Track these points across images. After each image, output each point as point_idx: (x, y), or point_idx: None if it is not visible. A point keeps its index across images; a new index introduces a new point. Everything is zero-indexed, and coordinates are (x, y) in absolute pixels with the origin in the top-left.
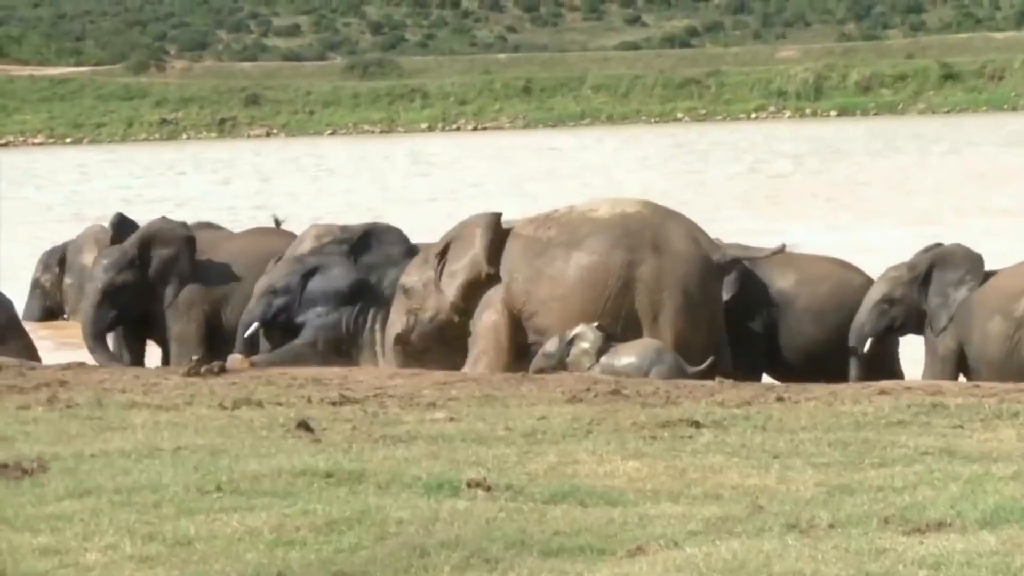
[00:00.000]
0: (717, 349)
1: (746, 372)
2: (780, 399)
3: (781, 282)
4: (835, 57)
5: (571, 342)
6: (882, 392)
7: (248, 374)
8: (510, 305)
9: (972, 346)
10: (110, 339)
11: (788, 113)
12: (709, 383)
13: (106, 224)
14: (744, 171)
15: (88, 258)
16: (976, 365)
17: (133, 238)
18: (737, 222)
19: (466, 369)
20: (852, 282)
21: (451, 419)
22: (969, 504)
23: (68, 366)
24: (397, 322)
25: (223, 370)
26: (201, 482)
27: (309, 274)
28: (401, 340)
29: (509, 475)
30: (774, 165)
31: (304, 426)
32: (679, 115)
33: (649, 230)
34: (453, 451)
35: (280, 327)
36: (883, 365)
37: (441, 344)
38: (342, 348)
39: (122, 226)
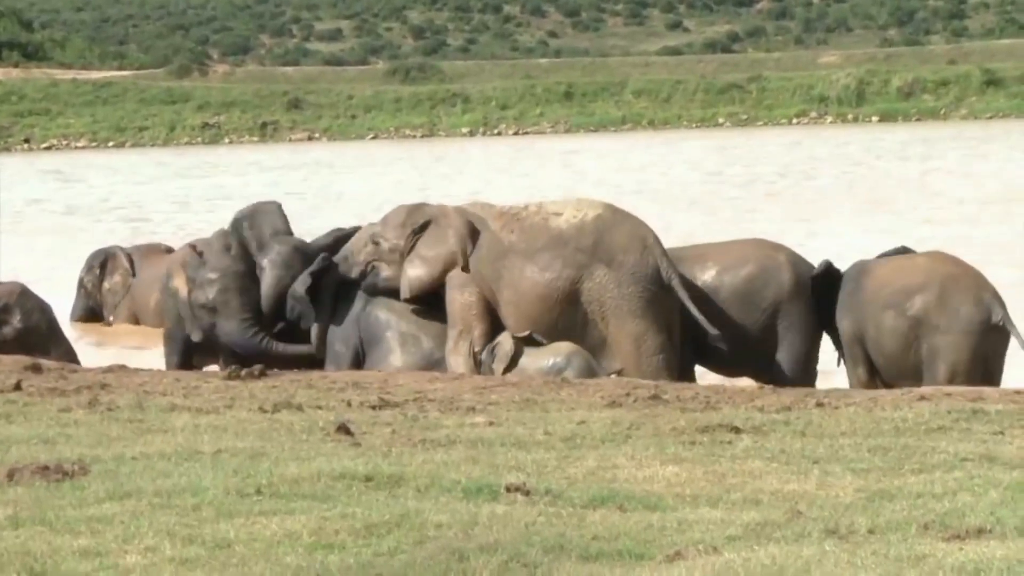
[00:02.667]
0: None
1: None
2: (820, 404)
3: (702, 275)
4: (877, 63)
5: (493, 349)
6: (922, 398)
7: (288, 377)
8: (482, 291)
9: (868, 338)
10: None
11: (830, 119)
12: (749, 388)
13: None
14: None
15: (178, 282)
16: (874, 356)
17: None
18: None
19: (447, 350)
20: (774, 260)
21: (490, 423)
22: (1009, 511)
23: (109, 369)
24: (356, 265)
25: (263, 374)
26: (241, 485)
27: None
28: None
29: (548, 479)
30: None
31: (344, 429)
32: (720, 120)
33: (601, 243)
34: (492, 455)
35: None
36: None
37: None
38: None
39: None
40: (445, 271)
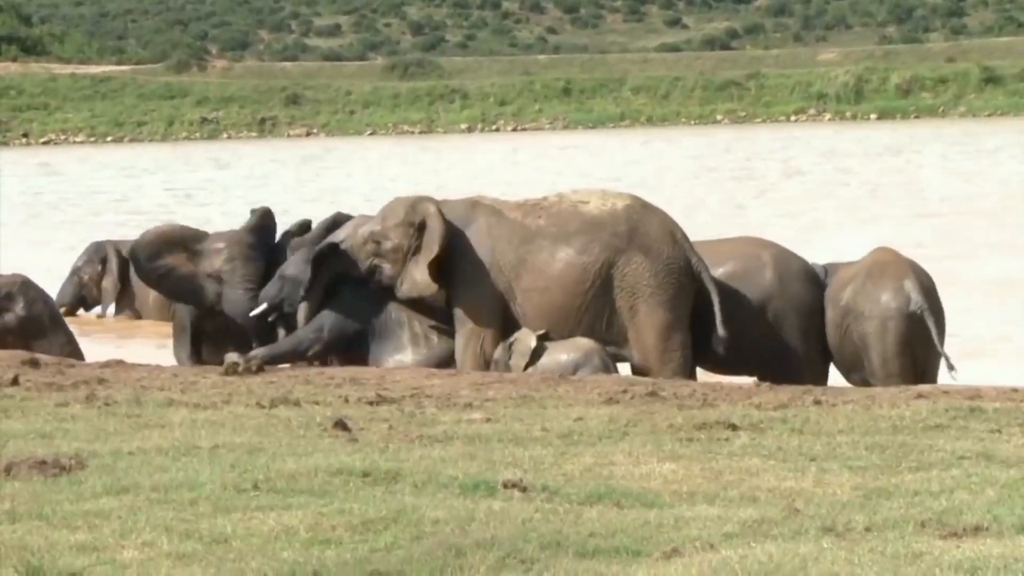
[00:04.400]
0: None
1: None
2: (817, 402)
3: None
4: (876, 60)
5: (511, 346)
6: (920, 396)
7: (286, 373)
8: (495, 284)
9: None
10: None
11: (828, 116)
12: (746, 385)
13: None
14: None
15: (174, 258)
16: (833, 353)
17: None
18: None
19: (456, 350)
20: (757, 259)
21: (488, 420)
22: (1006, 509)
23: (107, 364)
24: (359, 262)
25: (261, 369)
26: (238, 480)
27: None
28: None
29: (545, 476)
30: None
31: (341, 425)
32: (719, 117)
33: (635, 229)
34: (489, 451)
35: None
36: None
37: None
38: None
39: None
40: (436, 272)
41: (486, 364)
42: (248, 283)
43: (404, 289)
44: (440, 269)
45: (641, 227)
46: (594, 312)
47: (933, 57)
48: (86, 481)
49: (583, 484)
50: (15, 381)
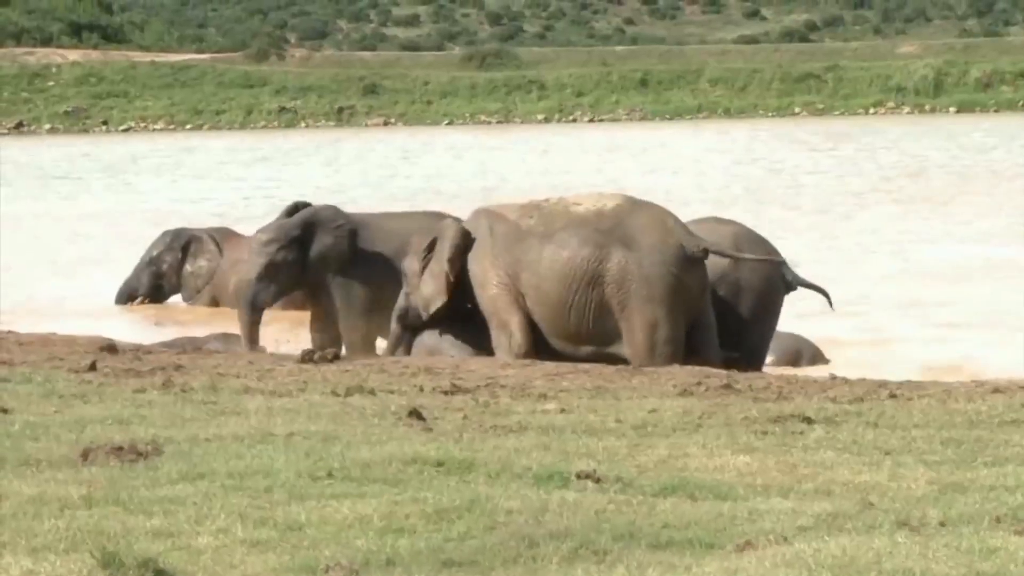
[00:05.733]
0: (700, 336)
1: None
2: (893, 396)
3: None
4: (956, 53)
5: None
6: (996, 390)
7: (361, 362)
8: (505, 280)
9: None
10: None
11: (907, 109)
12: (821, 378)
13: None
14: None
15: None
16: None
17: (297, 219)
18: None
19: (494, 342)
20: (720, 232)
21: (562, 410)
22: None
23: (183, 350)
24: (399, 300)
25: (336, 357)
26: (313, 468)
27: None
28: (399, 318)
29: (619, 467)
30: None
31: (416, 414)
32: (796, 110)
33: (621, 226)
34: (563, 442)
35: None
36: None
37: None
38: None
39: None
40: (445, 285)
41: (520, 353)
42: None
43: (421, 307)
44: (457, 281)
45: (627, 221)
46: (582, 307)
47: (1014, 51)
48: (162, 467)
49: (657, 476)
50: (93, 367)
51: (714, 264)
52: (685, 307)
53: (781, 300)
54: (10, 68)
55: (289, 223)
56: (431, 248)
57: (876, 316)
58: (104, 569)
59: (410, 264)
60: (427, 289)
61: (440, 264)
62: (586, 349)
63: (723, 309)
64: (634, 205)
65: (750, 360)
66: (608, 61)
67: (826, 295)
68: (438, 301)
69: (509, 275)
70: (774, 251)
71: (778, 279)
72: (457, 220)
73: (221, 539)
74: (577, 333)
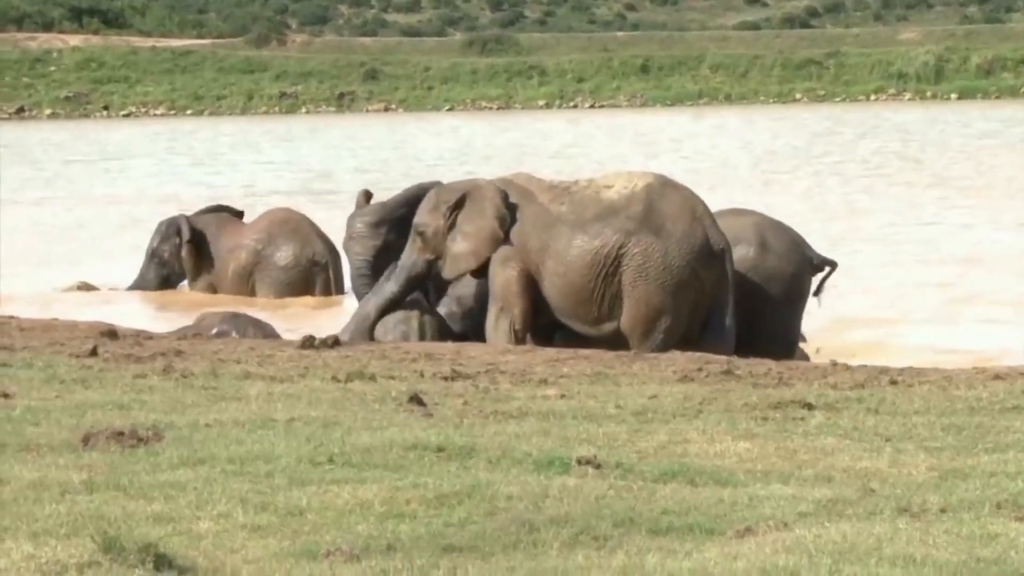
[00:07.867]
0: (712, 326)
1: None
2: (893, 382)
3: None
4: (957, 40)
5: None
6: (997, 377)
7: (362, 347)
8: (525, 265)
9: None
10: None
11: (908, 95)
12: (822, 365)
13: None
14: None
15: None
16: None
17: (400, 197)
18: None
19: (487, 325)
20: (742, 223)
21: (562, 396)
22: None
23: (183, 335)
24: (409, 261)
25: (337, 343)
26: (313, 454)
27: None
28: (413, 280)
29: (619, 453)
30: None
31: (416, 400)
32: (797, 96)
33: (650, 211)
34: (564, 428)
35: None
36: None
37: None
38: None
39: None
40: (491, 244)
41: (517, 340)
42: None
43: (449, 267)
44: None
45: (657, 206)
46: (605, 291)
47: (1015, 37)
48: (163, 452)
49: (657, 462)
50: (94, 352)
51: (741, 256)
52: (695, 300)
53: (809, 283)
54: (11, 53)
55: (392, 202)
56: (458, 205)
57: (882, 299)
58: (105, 554)
59: (428, 221)
60: (460, 247)
61: (483, 220)
62: (608, 327)
63: (755, 298)
64: (664, 186)
65: (784, 346)
66: (609, 47)
67: (834, 266)
68: (472, 260)
69: (533, 259)
70: (797, 237)
71: (806, 264)
72: (490, 182)
73: (222, 524)
74: (599, 315)
